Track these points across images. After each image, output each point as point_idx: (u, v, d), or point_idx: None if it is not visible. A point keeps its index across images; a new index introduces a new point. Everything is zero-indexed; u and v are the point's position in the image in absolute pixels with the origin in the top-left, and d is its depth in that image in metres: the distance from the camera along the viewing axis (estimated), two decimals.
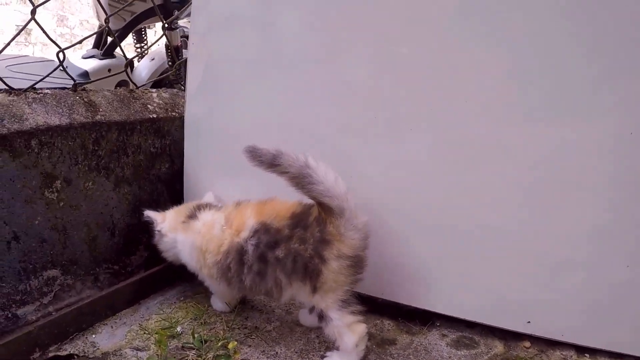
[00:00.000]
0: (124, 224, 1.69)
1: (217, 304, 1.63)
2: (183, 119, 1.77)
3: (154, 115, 1.71)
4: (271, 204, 1.38)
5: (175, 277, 1.74)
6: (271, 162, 1.22)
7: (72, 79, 1.70)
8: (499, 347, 1.49)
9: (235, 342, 1.40)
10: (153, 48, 2.83)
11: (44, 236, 1.50)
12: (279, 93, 1.60)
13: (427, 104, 1.45)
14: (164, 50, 2.78)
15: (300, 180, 1.23)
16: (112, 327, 1.55)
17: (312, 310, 1.39)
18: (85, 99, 1.60)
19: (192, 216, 1.53)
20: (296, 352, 1.47)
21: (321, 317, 1.34)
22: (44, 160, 1.47)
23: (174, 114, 1.77)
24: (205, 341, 1.45)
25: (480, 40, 1.37)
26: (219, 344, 1.42)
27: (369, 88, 1.51)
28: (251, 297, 1.64)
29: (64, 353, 1.45)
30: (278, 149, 1.23)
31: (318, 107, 1.57)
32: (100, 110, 1.59)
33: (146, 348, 1.46)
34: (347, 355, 1.35)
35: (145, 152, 1.71)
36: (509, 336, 1.51)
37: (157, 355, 1.38)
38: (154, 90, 1.87)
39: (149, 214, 1.60)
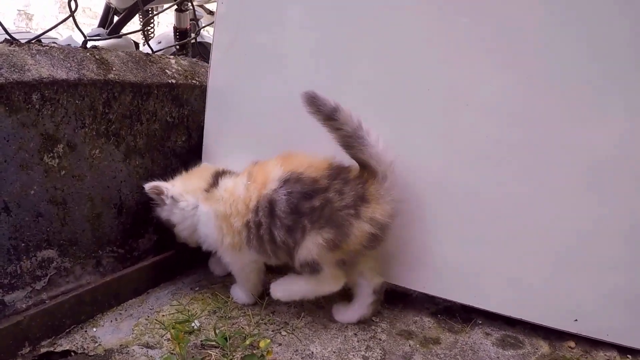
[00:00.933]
0: (133, 202, 1.40)
1: (239, 294, 1.36)
2: (204, 89, 1.50)
3: (173, 81, 1.43)
4: (297, 156, 1.25)
5: (189, 265, 1.46)
6: (329, 115, 1.15)
7: (83, 34, 1.43)
8: (544, 347, 1.29)
9: (268, 340, 1.13)
10: (160, 31, 2.56)
11: (39, 209, 1.21)
12: (314, 65, 1.36)
13: (486, 87, 1.25)
14: (171, 33, 2.52)
15: (353, 140, 1.17)
16: (116, 319, 1.26)
17: (302, 266, 1.21)
18: (97, 56, 1.32)
19: (212, 184, 1.32)
20: (334, 352, 1.20)
21: (309, 272, 1.21)
22: (46, 119, 1.19)
23: (194, 81, 1.50)
24: (228, 338, 1.17)
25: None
26: (247, 341, 1.15)
27: (420, 64, 1.29)
28: (275, 263, 1.35)
29: (59, 349, 1.15)
30: (337, 102, 1.15)
31: (358, 82, 1.33)
32: (114, 69, 1.32)
33: (158, 345, 1.17)
34: (299, 285, 1.25)
35: (160, 121, 1.43)
36: (553, 336, 1.32)
37: (174, 354, 1.10)
38: (171, 56, 1.60)
39: (153, 184, 1.34)
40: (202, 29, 2.55)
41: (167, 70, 1.44)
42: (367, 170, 1.20)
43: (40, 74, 1.18)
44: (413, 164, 1.29)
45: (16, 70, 1.15)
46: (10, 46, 1.22)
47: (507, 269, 1.30)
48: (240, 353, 1.12)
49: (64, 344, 1.16)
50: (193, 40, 2.17)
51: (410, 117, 1.30)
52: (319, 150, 1.23)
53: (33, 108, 1.16)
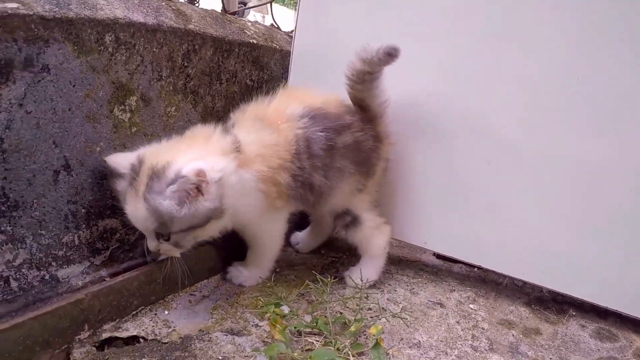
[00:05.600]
0: None
1: (252, 273, 1.02)
2: (284, 54, 1.19)
3: (254, 41, 1.12)
4: (300, 91, 1.01)
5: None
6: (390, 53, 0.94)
7: None
8: (637, 341, 1.06)
9: (380, 327, 0.82)
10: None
11: (105, 170, 0.89)
12: (410, 25, 1.08)
13: None
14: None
15: (369, 76, 0.97)
16: (190, 301, 0.93)
17: (340, 216, 1.06)
18: (173, 7, 1.02)
19: (236, 145, 0.87)
20: (441, 341, 0.91)
21: (351, 223, 1.06)
22: (119, 66, 0.88)
23: (274, 45, 1.19)
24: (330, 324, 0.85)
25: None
26: (352, 328, 0.84)
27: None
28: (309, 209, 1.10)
29: (125, 334, 0.82)
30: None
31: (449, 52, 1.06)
32: (193, 20, 1.01)
33: (245, 332, 0.85)
34: (377, 259, 1.08)
35: (240, 84, 1.11)
36: None
37: (276, 341, 0.77)
38: (245, 19, 1.30)
39: (193, 168, 0.78)
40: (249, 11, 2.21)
41: (246, 31, 1.13)
42: (367, 111, 1.02)
43: (115, 14, 0.87)
44: (510, 146, 1.04)
45: (87, 7, 0.84)
46: None
47: (607, 259, 1.04)
48: (348, 340, 0.81)
49: (130, 329, 0.84)
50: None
51: None
52: None
53: (106, 51, 0.85)
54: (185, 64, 0.98)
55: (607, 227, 1.02)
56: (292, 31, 1.21)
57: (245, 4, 2.08)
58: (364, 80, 0.97)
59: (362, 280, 0.98)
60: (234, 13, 1.86)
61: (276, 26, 1.39)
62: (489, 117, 1.04)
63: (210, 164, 0.80)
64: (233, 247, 1.03)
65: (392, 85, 1.04)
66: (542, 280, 1.08)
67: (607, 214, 1.02)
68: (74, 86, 0.82)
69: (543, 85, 1.00)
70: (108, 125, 0.88)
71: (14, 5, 0.75)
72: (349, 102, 1.03)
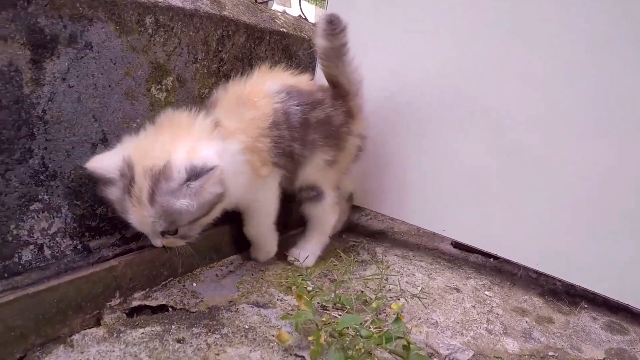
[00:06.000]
0: None
1: (264, 249, 1.05)
2: (311, 43, 1.23)
3: (284, 30, 1.15)
4: (275, 72, 1.03)
5: (290, 224, 1.17)
6: (343, 29, 0.98)
7: None
8: None
9: (400, 304, 0.83)
10: None
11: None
12: (429, 22, 1.11)
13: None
14: None
15: (336, 51, 0.99)
16: (217, 275, 0.95)
17: (305, 190, 1.06)
18: None
19: (216, 123, 0.86)
20: (457, 323, 0.92)
21: (316, 197, 1.06)
22: (158, 47, 0.90)
23: (302, 35, 1.22)
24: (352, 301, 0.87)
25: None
26: (374, 304, 0.85)
27: None
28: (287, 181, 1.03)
29: (154, 302, 0.85)
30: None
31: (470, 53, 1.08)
32: (227, 7, 1.04)
33: (270, 305, 0.87)
34: (324, 236, 1.09)
35: None
36: None
37: (302, 311, 0.79)
38: (275, 9, 1.33)
39: (205, 156, 0.79)
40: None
41: (276, 20, 1.16)
42: (339, 88, 1.05)
43: None
44: (525, 141, 1.06)
45: None
46: None
47: (620, 253, 1.05)
48: (369, 316, 0.83)
49: (159, 298, 0.86)
50: None
51: None
52: None
53: (145, 32, 0.88)
54: (220, 48, 1.00)
55: (620, 222, 1.04)
56: None
57: None
58: (329, 56, 1.00)
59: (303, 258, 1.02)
60: (262, 3, 1.88)
61: (304, 17, 1.42)
62: (500, 113, 1.06)
63: (210, 150, 0.80)
64: None
65: (415, 81, 1.06)
66: (556, 271, 1.10)
67: (621, 208, 1.03)
68: (114, 64, 0.84)
69: (551, 83, 1.02)
70: (145, 103, 0.91)
71: None
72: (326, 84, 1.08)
